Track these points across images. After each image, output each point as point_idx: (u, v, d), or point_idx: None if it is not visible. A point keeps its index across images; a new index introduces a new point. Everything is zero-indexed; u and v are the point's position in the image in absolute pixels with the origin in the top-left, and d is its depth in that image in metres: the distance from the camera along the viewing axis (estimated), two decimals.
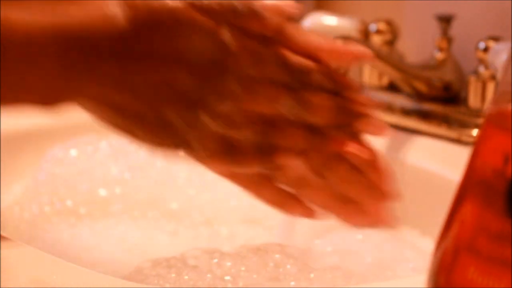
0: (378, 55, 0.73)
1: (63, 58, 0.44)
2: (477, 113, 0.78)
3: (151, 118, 0.47)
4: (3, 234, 0.54)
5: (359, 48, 0.50)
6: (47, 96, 0.46)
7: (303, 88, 0.48)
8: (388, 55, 0.75)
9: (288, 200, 0.52)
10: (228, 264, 0.55)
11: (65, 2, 0.45)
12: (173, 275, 0.54)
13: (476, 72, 0.78)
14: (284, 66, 0.48)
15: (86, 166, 0.78)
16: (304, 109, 0.48)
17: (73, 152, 0.79)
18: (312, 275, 0.56)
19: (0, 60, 0.42)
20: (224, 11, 0.47)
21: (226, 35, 0.47)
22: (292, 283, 0.55)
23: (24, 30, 0.43)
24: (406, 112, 0.82)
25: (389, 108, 0.85)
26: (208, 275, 0.54)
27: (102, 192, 0.76)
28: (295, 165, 0.50)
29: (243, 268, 0.55)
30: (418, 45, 0.94)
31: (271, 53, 0.48)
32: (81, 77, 0.45)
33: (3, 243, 0.52)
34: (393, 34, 0.88)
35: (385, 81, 0.89)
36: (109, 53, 0.45)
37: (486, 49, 0.76)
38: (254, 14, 0.48)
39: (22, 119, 0.83)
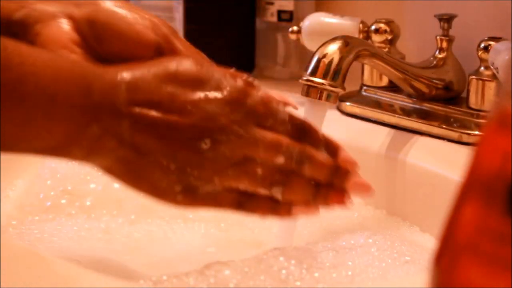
0: (378, 55, 0.73)
1: (87, 90, 0.48)
2: (477, 113, 0.78)
3: (152, 171, 0.51)
4: (3, 235, 0.54)
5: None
6: (73, 131, 0.49)
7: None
8: (388, 55, 0.75)
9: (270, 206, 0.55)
10: (228, 272, 0.55)
11: (86, 65, 0.51)
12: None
13: (476, 72, 0.78)
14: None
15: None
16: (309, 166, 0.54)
17: None
18: (316, 274, 0.56)
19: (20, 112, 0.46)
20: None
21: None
22: (298, 283, 0.55)
23: (51, 81, 0.47)
24: (406, 112, 0.82)
25: (389, 108, 0.85)
26: (211, 280, 0.54)
27: (103, 189, 0.76)
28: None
29: (246, 269, 0.55)
30: (419, 45, 0.94)
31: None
32: (101, 109, 0.49)
33: (3, 243, 0.52)
34: (393, 34, 0.88)
35: (385, 81, 0.89)
36: (124, 92, 0.50)
37: (486, 49, 0.76)
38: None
39: None
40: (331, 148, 0.56)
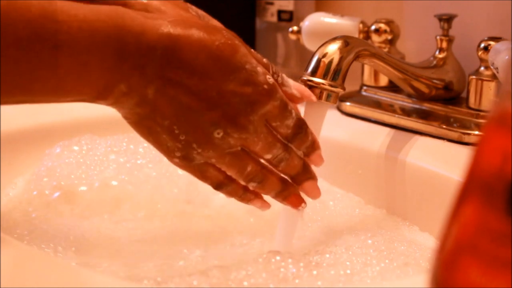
0: (378, 55, 0.73)
1: (121, 55, 0.51)
2: (477, 113, 0.78)
3: (170, 125, 0.55)
4: (3, 232, 0.54)
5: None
6: (102, 89, 0.52)
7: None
8: (388, 55, 0.75)
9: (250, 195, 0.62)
10: (229, 272, 0.55)
11: (127, 19, 0.52)
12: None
13: (476, 72, 0.78)
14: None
15: (87, 164, 0.78)
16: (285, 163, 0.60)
17: (75, 149, 0.79)
18: (315, 272, 0.56)
19: (67, 51, 0.49)
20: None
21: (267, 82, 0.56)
22: (296, 281, 0.55)
23: (90, 26, 0.50)
24: (406, 112, 0.82)
25: (389, 108, 0.85)
26: (214, 280, 0.54)
27: (102, 188, 0.76)
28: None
29: (245, 273, 0.55)
30: (419, 45, 0.94)
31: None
32: (132, 72, 0.52)
33: (3, 243, 0.52)
34: (393, 34, 0.88)
35: (385, 81, 0.89)
36: (159, 59, 0.52)
37: (486, 49, 0.76)
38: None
39: (22, 118, 0.83)
40: (311, 148, 0.61)
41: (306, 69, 0.66)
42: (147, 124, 0.55)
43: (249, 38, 1.07)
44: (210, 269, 0.55)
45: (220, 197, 0.75)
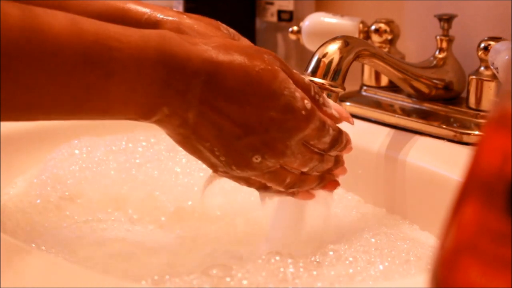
0: (378, 55, 0.73)
1: (166, 81, 0.53)
2: (477, 113, 0.78)
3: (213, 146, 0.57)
4: (3, 232, 0.54)
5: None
6: (147, 111, 0.54)
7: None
8: (388, 55, 0.75)
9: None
10: (229, 272, 0.55)
11: (175, 35, 0.54)
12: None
13: (476, 72, 0.78)
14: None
15: (87, 165, 0.78)
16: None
17: (76, 152, 0.79)
18: (315, 273, 0.56)
19: (118, 76, 0.51)
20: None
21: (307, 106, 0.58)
22: (297, 281, 0.55)
23: (140, 54, 0.52)
24: (406, 112, 0.82)
25: (389, 108, 0.85)
26: (214, 280, 0.54)
27: (102, 189, 0.76)
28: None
29: (247, 269, 0.55)
30: (419, 45, 0.94)
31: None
32: (175, 96, 0.54)
33: (3, 243, 0.52)
34: (393, 34, 0.88)
35: (385, 81, 0.89)
36: (201, 85, 0.54)
37: (486, 49, 0.76)
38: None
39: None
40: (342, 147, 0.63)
41: (306, 69, 0.66)
42: (190, 143, 0.57)
43: (249, 38, 1.06)
44: (210, 269, 0.55)
45: (220, 197, 0.75)
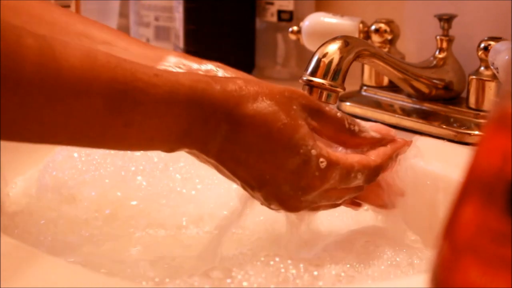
0: (378, 55, 0.73)
1: (186, 132, 0.53)
2: (477, 113, 0.78)
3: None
4: (3, 232, 0.54)
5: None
6: (167, 150, 0.55)
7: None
8: (388, 55, 0.75)
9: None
10: (230, 273, 0.55)
11: (202, 87, 0.54)
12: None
13: (476, 72, 0.78)
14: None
15: (87, 168, 0.78)
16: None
17: (75, 155, 0.79)
18: (316, 273, 0.56)
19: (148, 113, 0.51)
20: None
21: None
22: (298, 281, 0.55)
23: (165, 105, 0.52)
24: (406, 112, 0.82)
25: (389, 108, 0.85)
26: (214, 281, 0.54)
27: (102, 189, 0.76)
28: None
29: (247, 269, 0.55)
30: (419, 45, 0.94)
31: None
32: (193, 145, 0.55)
33: (3, 243, 0.52)
34: (393, 34, 0.88)
35: (385, 81, 0.89)
36: (221, 138, 0.55)
37: (486, 49, 0.76)
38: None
39: None
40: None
41: (306, 69, 0.66)
42: (221, 173, 0.58)
43: (249, 38, 1.07)
44: (211, 269, 0.55)
45: (220, 199, 0.75)
